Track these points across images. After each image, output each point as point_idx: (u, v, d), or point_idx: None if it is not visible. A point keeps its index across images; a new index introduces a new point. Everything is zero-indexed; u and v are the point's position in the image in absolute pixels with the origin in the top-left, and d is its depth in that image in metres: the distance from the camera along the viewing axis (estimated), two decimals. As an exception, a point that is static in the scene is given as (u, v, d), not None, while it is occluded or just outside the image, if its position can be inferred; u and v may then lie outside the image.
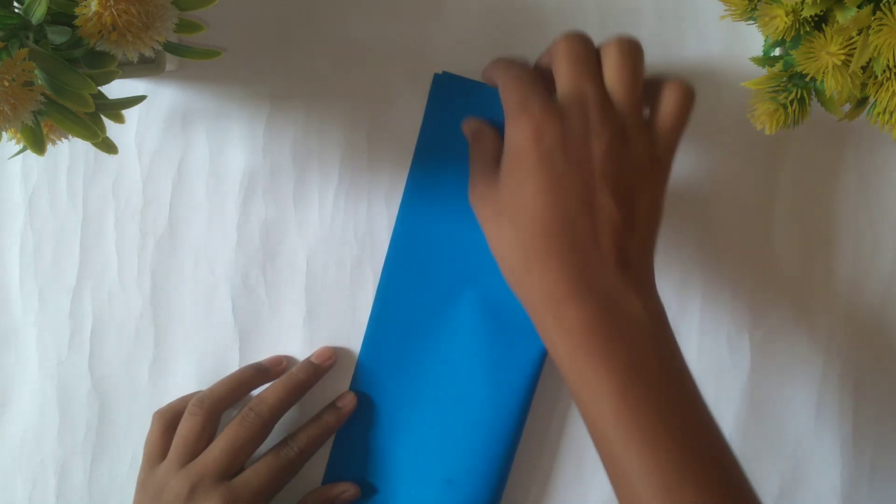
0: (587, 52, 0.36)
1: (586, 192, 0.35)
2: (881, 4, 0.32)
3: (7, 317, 0.47)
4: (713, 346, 0.44)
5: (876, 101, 0.34)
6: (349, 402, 0.44)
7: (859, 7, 0.32)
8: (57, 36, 0.31)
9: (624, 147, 0.35)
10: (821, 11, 0.34)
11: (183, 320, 0.46)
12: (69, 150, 0.46)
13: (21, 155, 0.35)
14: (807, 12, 0.33)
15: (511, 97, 0.37)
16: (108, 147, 0.35)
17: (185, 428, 0.42)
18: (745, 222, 0.44)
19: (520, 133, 0.35)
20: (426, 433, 0.44)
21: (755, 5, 0.36)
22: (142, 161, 0.46)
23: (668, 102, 0.37)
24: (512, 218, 0.36)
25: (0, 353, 0.47)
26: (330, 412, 0.44)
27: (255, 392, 0.45)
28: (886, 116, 0.34)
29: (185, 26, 0.35)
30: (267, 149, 0.45)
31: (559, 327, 0.34)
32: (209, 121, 0.45)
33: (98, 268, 0.46)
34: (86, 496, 0.46)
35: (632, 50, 0.36)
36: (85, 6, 0.30)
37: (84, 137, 0.33)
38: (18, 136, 0.32)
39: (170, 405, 0.44)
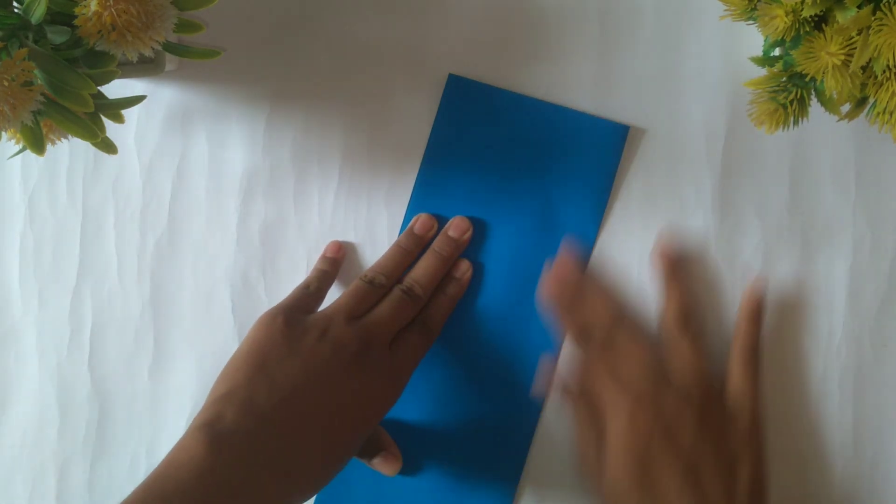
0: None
1: (686, 473, 0.39)
2: (881, 4, 0.32)
3: (7, 317, 0.47)
4: (714, 347, 0.44)
5: (876, 101, 0.34)
6: (467, 269, 0.44)
7: (859, 7, 0.32)
8: (56, 36, 0.31)
9: (709, 427, 0.40)
10: (821, 11, 0.34)
11: (183, 320, 0.46)
12: (69, 150, 0.46)
13: (21, 155, 0.35)
14: (807, 12, 0.33)
15: (610, 375, 0.41)
16: (108, 147, 0.35)
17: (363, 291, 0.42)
18: (744, 222, 0.44)
19: (617, 422, 0.40)
20: (431, 435, 0.44)
21: (755, 5, 0.36)
22: (142, 161, 0.46)
23: (736, 379, 0.41)
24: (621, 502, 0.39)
25: (0, 353, 0.47)
26: (452, 284, 0.44)
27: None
28: (886, 116, 0.34)
29: (185, 26, 0.35)
30: (267, 149, 0.45)
31: None
32: (209, 121, 0.45)
33: (98, 268, 0.46)
34: (86, 496, 0.46)
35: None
36: (84, 6, 0.30)
37: (84, 137, 0.33)
38: (18, 136, 0.32)
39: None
